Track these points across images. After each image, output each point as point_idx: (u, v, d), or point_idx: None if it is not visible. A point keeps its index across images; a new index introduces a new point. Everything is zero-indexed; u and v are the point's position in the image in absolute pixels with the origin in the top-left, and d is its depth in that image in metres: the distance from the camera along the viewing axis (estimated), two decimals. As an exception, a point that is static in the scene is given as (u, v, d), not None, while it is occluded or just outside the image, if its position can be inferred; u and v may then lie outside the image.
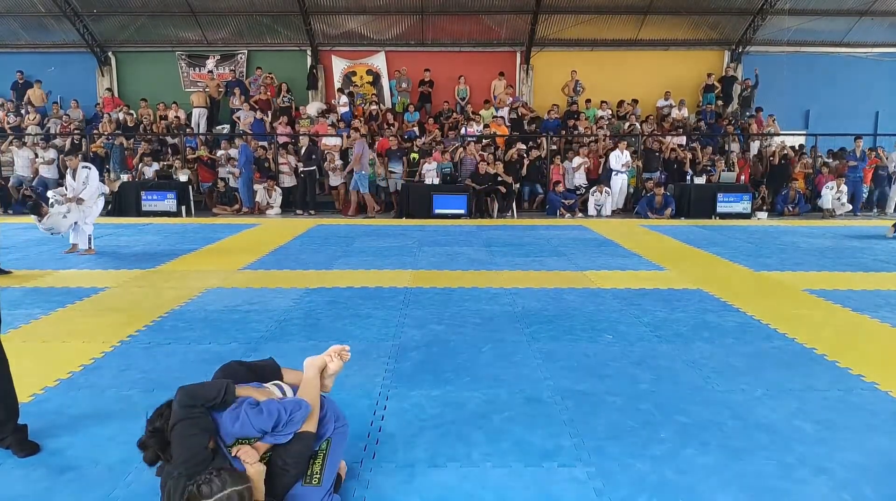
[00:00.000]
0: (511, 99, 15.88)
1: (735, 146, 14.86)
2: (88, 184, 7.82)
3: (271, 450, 2.32)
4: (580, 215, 12.68)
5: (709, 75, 16.44)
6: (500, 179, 12.44)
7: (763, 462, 2.81)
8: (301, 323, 4.90)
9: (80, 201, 7.75)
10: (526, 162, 13.31)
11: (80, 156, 8.57)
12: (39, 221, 7.67)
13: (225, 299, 5.66)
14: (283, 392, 2.50)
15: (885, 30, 16.64)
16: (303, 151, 12.92)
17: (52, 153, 13.52)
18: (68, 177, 8.04)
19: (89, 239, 7.95)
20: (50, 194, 8.17)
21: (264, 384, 2.52)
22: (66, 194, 7.80)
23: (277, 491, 2.28)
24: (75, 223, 7.82)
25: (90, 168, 8.00)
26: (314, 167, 12.93)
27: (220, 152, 13.85)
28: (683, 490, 2.59)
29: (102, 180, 8.36)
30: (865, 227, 11.12)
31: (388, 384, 3.68)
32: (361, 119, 14.49)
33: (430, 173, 12.44)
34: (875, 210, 14.01)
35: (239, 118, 15.24)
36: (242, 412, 2.19)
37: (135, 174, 13.37)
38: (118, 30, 16.48)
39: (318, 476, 2.34)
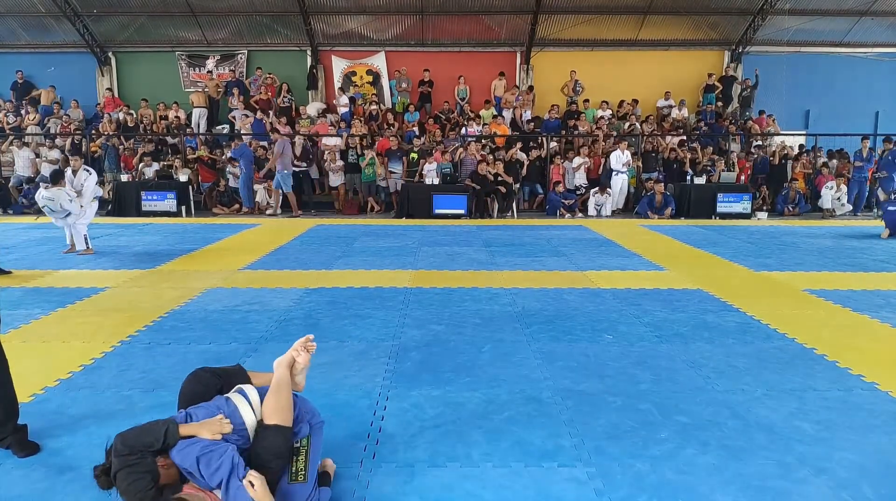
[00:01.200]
0: (516, 99, 15.86)
1: (735, 146, 14.85)
2: (85, 186, 7.89)
3: (248, 450, 2.34)
4: (580, 215, 12.68)
5: (709, 75, 16.43)
6: (500, 178, 12.45)
7: (763, 461, 2.81)
8: (301, 323, 4.89)
9: (78, 195, 7.84)
10: (526, 162, 13.31)
11: (83, 159, 8.67)
12: (46, 187, 7.76)
13: (225, 299, 5.66)
14: (248, 398, 2.46)
15: (885, 30, 16.63)
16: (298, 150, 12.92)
17: (55, 153, 13.52)
18: (68, 172, 8.10)
19: (85, 239, 7.96)
20: None
21: (228, 396, 2.48)
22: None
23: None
24: (69, 215, 7.83)
25: (90, 173, 8.08)
26: (305, 168, 12.92)
27: (224, 155, 13.83)
28: (683, 490, 2.59)
29: (99, 184, 8.44)
30: (865, 227, 11.11)
31: (388, 384, 3.68)
32: (361, 119, 14.48)
33: (430, 173, 12.45)
34: (875, 210, 14.01)
35: (234, 118, 15.25)
36: (194, 458, 2.18)
37: (135, 174, 13.37)
38: (118, 30, 16.47)
39: (302, 472, 2.37)
